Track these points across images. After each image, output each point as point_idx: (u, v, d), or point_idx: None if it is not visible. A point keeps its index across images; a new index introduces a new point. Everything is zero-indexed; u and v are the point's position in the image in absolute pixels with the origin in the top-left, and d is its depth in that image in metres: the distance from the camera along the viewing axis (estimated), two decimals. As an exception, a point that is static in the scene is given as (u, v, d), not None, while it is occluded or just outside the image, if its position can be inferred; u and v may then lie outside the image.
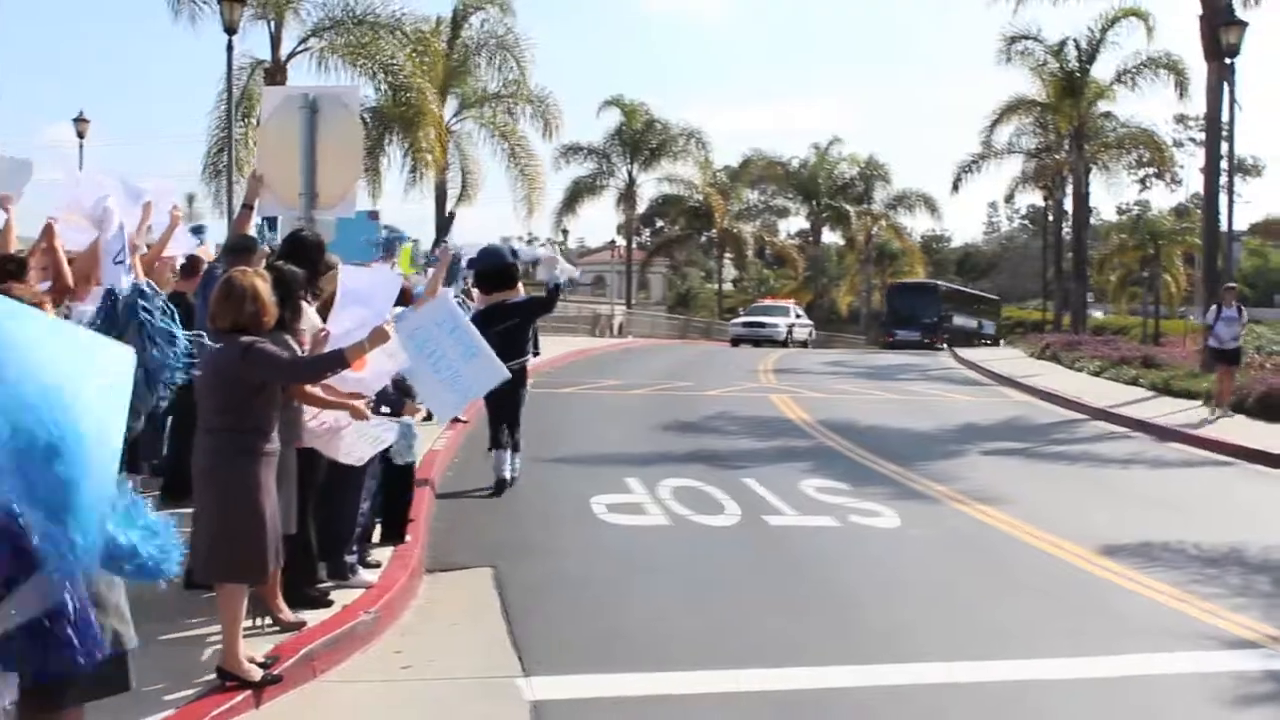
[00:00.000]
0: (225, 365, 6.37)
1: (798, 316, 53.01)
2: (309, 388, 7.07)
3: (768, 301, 59.38)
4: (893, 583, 9.68)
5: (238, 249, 7.94)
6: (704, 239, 68.35)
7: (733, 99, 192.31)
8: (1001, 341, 62.62)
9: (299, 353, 6.93)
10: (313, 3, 27.30)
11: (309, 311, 7.62)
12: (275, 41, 26.69)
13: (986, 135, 46.75)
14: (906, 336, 56.17)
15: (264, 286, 6.46)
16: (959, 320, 61.30)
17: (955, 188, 49.97)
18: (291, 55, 26.97)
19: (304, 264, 7.63)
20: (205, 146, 28.87)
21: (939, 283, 66.01)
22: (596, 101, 58.62)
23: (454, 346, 8.57)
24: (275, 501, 6.50)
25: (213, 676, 6.44)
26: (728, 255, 70.60)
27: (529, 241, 59.63)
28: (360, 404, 7.52)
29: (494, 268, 13.16)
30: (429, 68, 30.08)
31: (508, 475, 12.96)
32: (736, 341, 47.28)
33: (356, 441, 7.59)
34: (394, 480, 9.54)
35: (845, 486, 13.67)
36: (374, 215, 15.79)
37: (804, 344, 49.88)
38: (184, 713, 6.13)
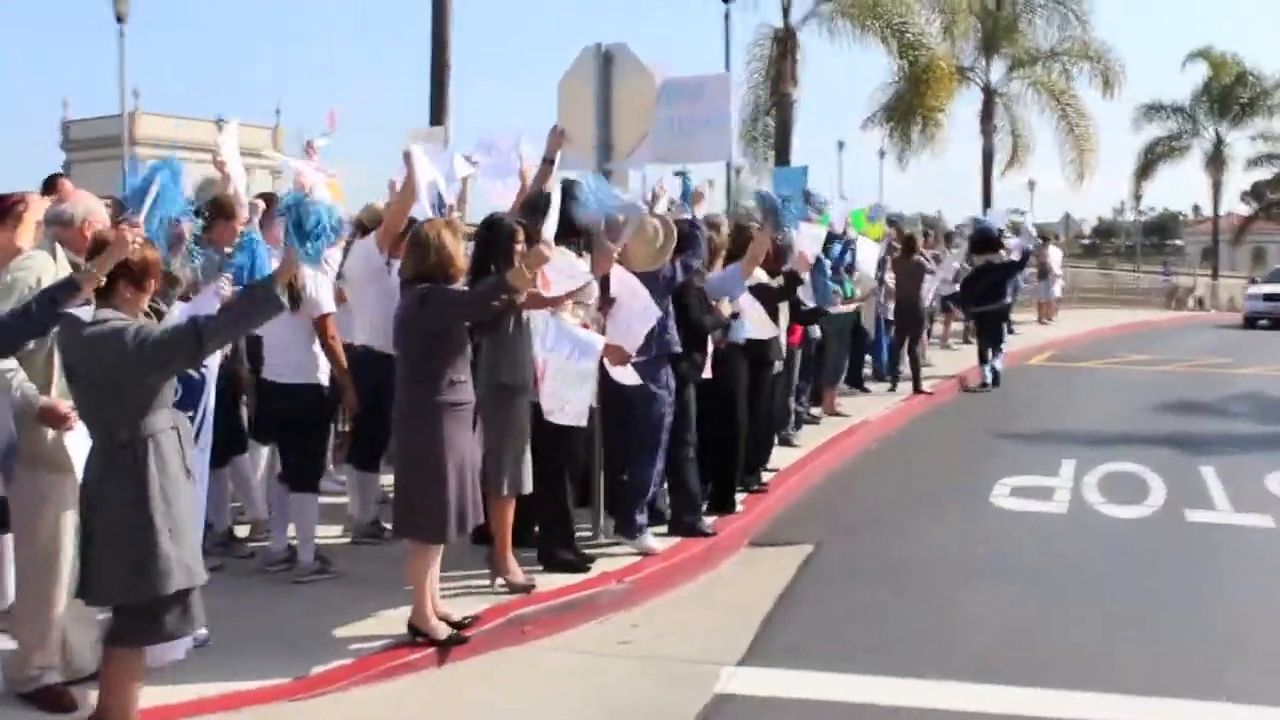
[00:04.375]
0: (406, 315, 6.24)
1: None
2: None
3: None
4: None
5: (533, 206, 7.80)
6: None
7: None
8: None
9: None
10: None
11: (567, 255, 7.31)
12: (786, 9, 26.68)
13: None
14: None
15: (450, 238, 6.24)
16: None
17: None
18: (805, 20, 26.87)
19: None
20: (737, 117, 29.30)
21: None
22: (1175, 54, 52.64)
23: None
24: (465, 457, 6.27)
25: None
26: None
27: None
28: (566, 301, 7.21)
29: (981, 236, 19.07)
30: (952, 26, 28.94)
31: (988, 379, 18.11)
32: (1252, 321, 33.42)
33: (556, 389, 7.17)
34: (714, 446, 9.10)
35: (1323, 482, 11.55)
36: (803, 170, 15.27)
37: None
38: (361, 662, 6.10)
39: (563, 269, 6.56)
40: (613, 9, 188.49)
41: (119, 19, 29.52)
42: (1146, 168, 52.28)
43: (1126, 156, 52.54)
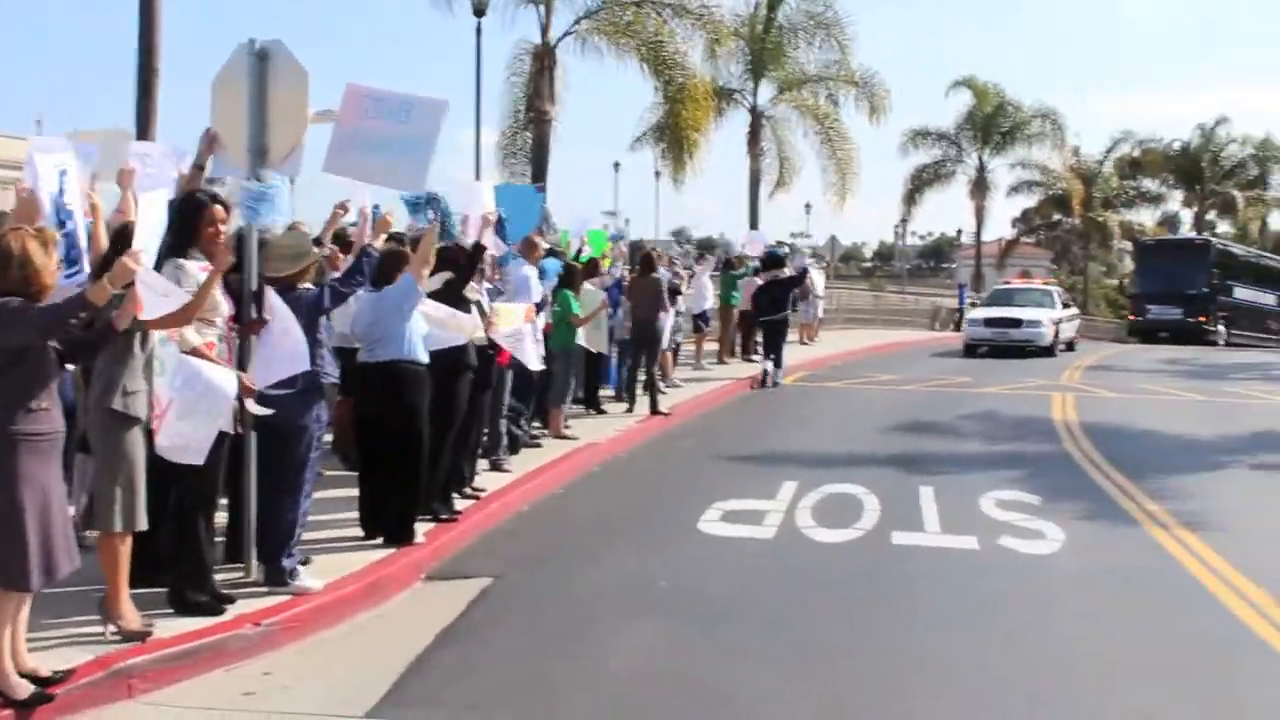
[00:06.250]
0: (-23, 335, 5.52)
1: (1065, 306, 33.97)
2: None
3: (1018, 283, 38.66)
4: (981, 637, 7.58)
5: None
6: (1066, 227, 63.71)
7: (1115, 82, 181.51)
8: None
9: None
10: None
11: (190, 269, 6.73)
12: (545, 27, 26.29)
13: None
14: (1162, 315, 41.88)
15: (37, 249, 5.56)
16: (1244, 293, 44.65)
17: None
18: (561, 38, 26.50)
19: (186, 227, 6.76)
20: (497, 134, 28.83)
21: (1211, 239, 49.11)
22: (944, 84, 54.17)
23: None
24: (49, 494, 5.57)
25: None
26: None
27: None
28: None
29: (769, 257, 23.57)
30: (716, 45, 29.09)
31: (780, 380, 21.22)
32: (972, 349, 30.32)
33: (180, 428, 6.56)
34: (390, 473, 8.59)
35: (1035, 501, 11.60)
36: (540, 188, 15.04)
37: (1070, 345, 32.84)
38: (-81, 731, 5.36)
39: (156, 287, 5.90)
40: (367, 18, 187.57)
41: None
42: (914, 192, 53.85)
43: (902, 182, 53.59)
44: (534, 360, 11.26)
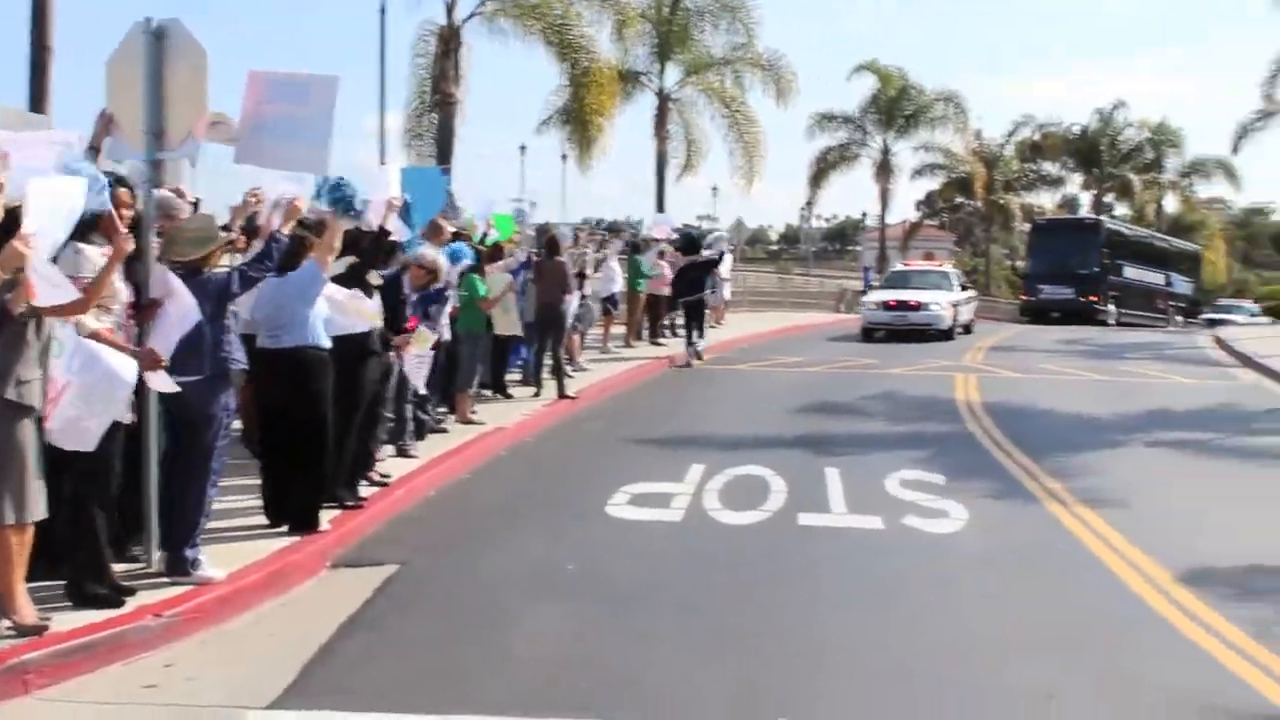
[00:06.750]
0: None
1: (963, 288, 32.78)
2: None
3: (916, 265, 36.43)
4: (882, 618, 7.65)
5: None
6: (969, 210, 64.65)
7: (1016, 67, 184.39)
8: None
9: None
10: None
11: (90, 254, 6.59)
12: (450, 7, 26.05)
13: (1267, 88, 39.95)
14: (1054, 295, 42.12)
15: None
16: (1133, 273, 45.39)
17: (1235, 150, 44.98)
18: (469, 18, 26.32)
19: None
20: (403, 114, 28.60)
21: (1102, 219, 49.47)
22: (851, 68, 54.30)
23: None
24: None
25: None
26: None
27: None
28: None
29: (687, 240, 24.99)
30: (624, 27, 29.09)
31: (693, 359, 21.77)
32: (869, 333, 29.38)
33: (75, 414, 6.43)
34: (294, 458, 8.48)
35: (940, 480, 11.76)
36: (445, 171, 14.94)
37: (967, 328, 31.59)
38: None
39: (49, 277, 5.76)
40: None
41: None
42: (819, 175, 54.25)
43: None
44: (420, 382, 11.44)
